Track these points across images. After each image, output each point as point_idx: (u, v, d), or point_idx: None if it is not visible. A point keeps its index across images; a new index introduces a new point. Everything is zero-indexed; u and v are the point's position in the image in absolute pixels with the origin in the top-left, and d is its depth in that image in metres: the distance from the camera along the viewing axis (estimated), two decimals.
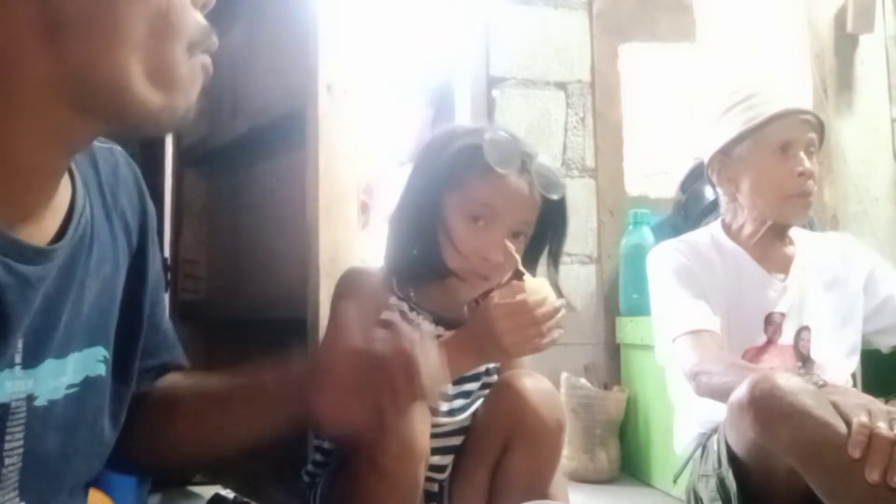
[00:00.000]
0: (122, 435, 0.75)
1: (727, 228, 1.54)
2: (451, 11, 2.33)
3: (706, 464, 1.30)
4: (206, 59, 0.63)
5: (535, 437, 1.08)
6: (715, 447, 1.27)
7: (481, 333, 0.99)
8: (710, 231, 1.55)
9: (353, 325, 0.79)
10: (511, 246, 1.06)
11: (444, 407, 1.11)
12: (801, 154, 1.43)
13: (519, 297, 0.98)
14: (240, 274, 1.87)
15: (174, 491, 1.81)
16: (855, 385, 1.53)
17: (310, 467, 1.17)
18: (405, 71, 2.93)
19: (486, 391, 1.16)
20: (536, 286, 1.01)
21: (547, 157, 1.13)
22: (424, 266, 1.11)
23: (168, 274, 2.01)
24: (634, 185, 2.26)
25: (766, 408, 1.05)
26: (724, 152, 1.49)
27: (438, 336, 1.13)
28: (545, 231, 1.15)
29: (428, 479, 1.04)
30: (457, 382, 1.12)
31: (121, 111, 0.58)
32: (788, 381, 1.06)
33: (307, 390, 0.75)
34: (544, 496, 1.13)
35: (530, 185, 1.08)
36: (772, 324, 1.44)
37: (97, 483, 0.77)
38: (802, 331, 1.45)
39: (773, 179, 1.43)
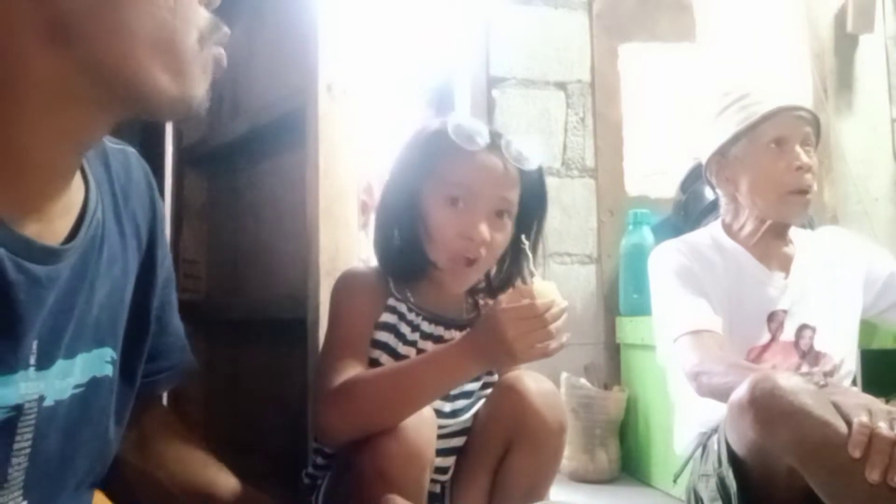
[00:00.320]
0: None
1: (727, 229, 1.54)
2: (451, 11, 2.33)
3: (706, 463, 1.30)
4: (219, 52, 0.63)
5: (537, 438, 1.08)
6: (715, 447, 1.27)
7: (489, 339, 0.97)
8: (711, 231, 1.56)
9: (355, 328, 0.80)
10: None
11: (447, 408, 1.11)
12: (797, 149, 1.43)
13: (526, 302, 0.96)
14: (240, 274, 1.87)
15: None
16: (855, 385, 1.53)
17: (310, 469, 1.17)
18: (405, 71, 2.93)
19: (487, 391, 1.16)
20: (545, 289, 0.99)
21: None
22: (409, 261, 1.11)
23: None
24: (634, 185, 2.26)
25: (767, 407, 1.05)
26: (721, 153, 1.50)
27: (439, 336, 1.13)
28: (533, 211, 1.15)
29: (430, 481, 1.04)
30: None
31: (138, 100, 0.59)
32: (789, 381, 1.06)
33: None
34: (546, 497, 1.13)
35: (504, 161, 1.09)
36: (775, 322, 1.45)
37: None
38: (804, 328, 1.45)
39: (770, 176, 1.44)
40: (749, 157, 1.46)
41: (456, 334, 1.13)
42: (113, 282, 0.70)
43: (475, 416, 1.14)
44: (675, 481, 1.50)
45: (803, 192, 1.43)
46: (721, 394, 1.19)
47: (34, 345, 0.60)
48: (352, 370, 1.02)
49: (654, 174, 2.27)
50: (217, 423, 1.87)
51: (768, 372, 1.14)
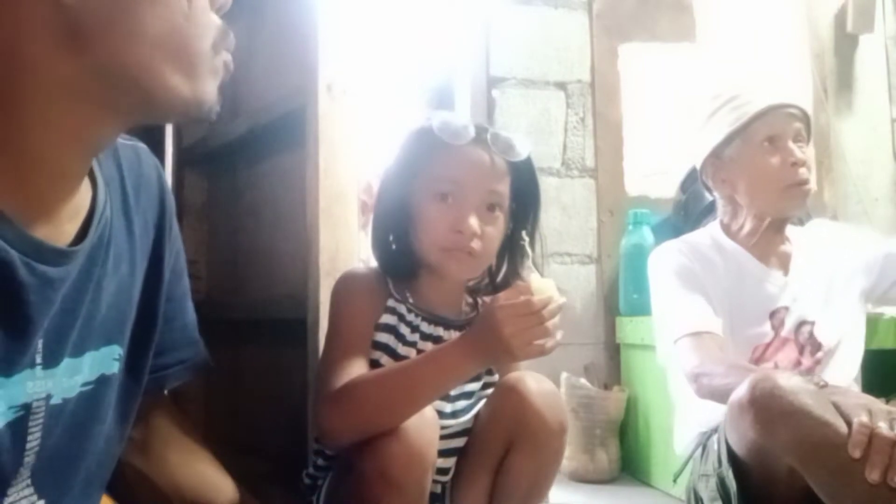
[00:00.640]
0: None
1: (726, 229, 1.55)
2: (451, 11, 2.33)
3: (706, 463, 1.30)
4: (228, 57, 0.64)
5: (538, 438, 1.08)
6: (715, 447, 1.27)
7: (487, 336, 0.96)
8: (710, 231, 1.56)
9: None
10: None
11: (448, 408, 1.11)
12: (791, 145, 1.45)
13: (523, 298, 0.96)
14: (240, 274, 1.87)
15: None
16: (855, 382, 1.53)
17: (311, 469, 1.17)
18: (405, 71, 2.93)
19: (488, 391, 1.16)
20: (542, 286, 0.98)
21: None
22: (406, 261, 1.12)
23: None
24: (634, 185, 2.25)
25: (767, 407, 1.05)
26: (716, 155, 1.51)
27: (438, 337, 1.13)
28: (527, 204, 1.16)
29: (431, 482, 1.04)
30: None
31: (152, 103, 0.59)
32: (789, 381, 1.06)
33: None
34: (546, 498, 1.13)
35: (490, 153, 1.09)
36: (776, 319, 1.46)
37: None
38: (803, 324, 1.46)
39: (767, 173, 1.45)
40: (744, 156, 1.47)
41: (455, 335, 1.12)
42: (120, 280, 0.70)
43: (476, 416, 1.14)
44: (675, 481, 1.50)
45: (801, 184, 1.44)
46: (721, 395, 1.20)
47: (40, 344, 0.60)
48: (353, 372, 1.02)
49: (654, 174, 2.27)
50: (217, 423, 1.86)
51: (768, 372, 1.15)
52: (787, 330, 1.45)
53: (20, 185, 0.56)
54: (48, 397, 0.62)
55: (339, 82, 1.45)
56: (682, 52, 2.32)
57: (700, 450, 1.37)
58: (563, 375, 1.95)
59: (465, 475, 1.13)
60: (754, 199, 1.48)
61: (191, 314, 0.88)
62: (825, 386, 1.14)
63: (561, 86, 2.22)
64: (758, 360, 1.43)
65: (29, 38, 0.54)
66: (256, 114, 1.71)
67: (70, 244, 0.62)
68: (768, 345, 1.45)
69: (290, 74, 1.56)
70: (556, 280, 1.02)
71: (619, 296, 2.09)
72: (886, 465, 0.94)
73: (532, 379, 1.10)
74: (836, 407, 1.03)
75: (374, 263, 1.18)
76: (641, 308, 1.89)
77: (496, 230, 1.11)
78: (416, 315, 1.12)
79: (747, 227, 1.51)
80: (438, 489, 1.13)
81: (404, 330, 1.11)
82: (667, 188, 2.21)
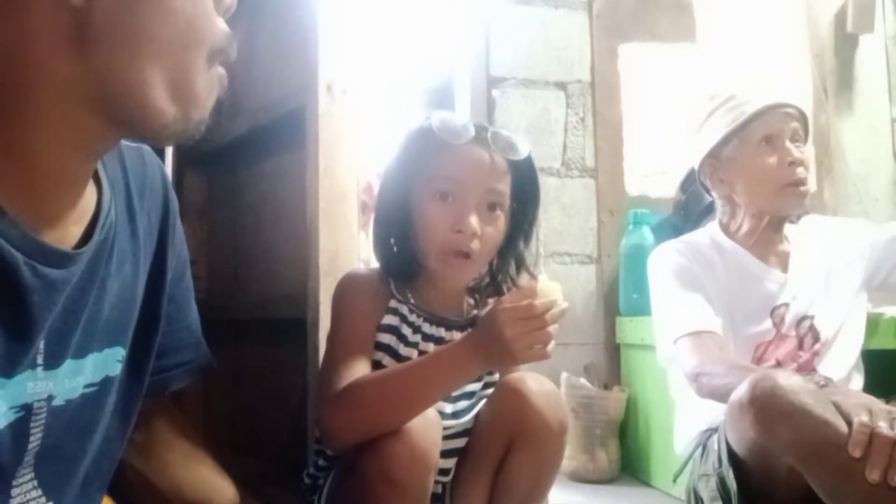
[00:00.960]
0: None
1: (725, 228, 1.55)
2: (451, 11, 2.33)
3: (706, 463, 1.30)
4: (222, 72, 0.64)
5: (539, 438, 1.08)
6: (715, 446, 1.27)
7: (489, 338, 0.96)
8: (709, 231, 1.57)
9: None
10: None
11: (449, 409, 1.10)
12: (788, 145, 1.46)
13: (526, 302, 0.95)
14: (240, 274, 1.87)
15: None
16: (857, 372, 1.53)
17: (311, 469, 1.17)
18: (405, 71, 2.93)
19: (489, 391, 1.15)
20: (548, 289, 0.98)
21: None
22: (407, 261, 1.12)
23: None
24: (634, 185, 2.25)
25: (767, 407, 1.05)
26: (713, 155, 1.52)
27: (440, 338, 1.13)
28: (528, 203, 1.15)
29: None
30: None
31: (136, 119, 0.59)
32: (789, 381, 1.06)
33: None
34: (546, 498, 1.12)
35: (490, 152, 1.09)
36: (777, 316, 1.46)
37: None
38: (804, 319, 1.47)
39: (764, 173, 1.46)
40: (741, 156, 1.48)
41: (457, 335, 1.13)
42: (123, 281, 0.70)
43: (476, 416, 1.14)
44: (675, 481, 1.50)
45: (798, 184, 1.45)
46: (721, 394, 1.20)
47: (41, 345, 0.60)
48: (355, 373, 1.02)
49: (654, 174, 2.26)
50: (217, 422, 1.87)
51: (768, 371, 1.15)
52: (787, 326, 1.46)
53: (25, 187, 0.57)
54: (50, 398, 0.62)
55: (339, 82, 1.45)
56: (682, 52, 2.32)
57: (700, 450, 1.37)
58: (563, 375, 1.95)
59: (466, 475, 1.13)
60: (752, 198, 1.49)
61: (194, 316, 0.88)
62: (825, 385, 1.14)
63: (561, 86, 2.22)
64: (760, 359, 1.44)
65: (36, 40, 0.54)
66: (256, 114, 1.71)
67: (74, 246, 0.62)
68: (770, 342, 1.45)
69: (290, 74, 1.56)
70: (556, 280, 1.01)
71: (619, 296, 2.09)
72: (887, 465, 0.94)
73: (533, 379, 1.10)
74: (837, 406, 1.03)
75: (374, 264, 1.18)
76: (641, 308, 1.89)
77: (496, 230, 1.10)
78: (418, 316, 1.12)
79: (746, 227, 1.52)
80: (439, 489, 1.13)
81: (406, 331, 1.11)
82: (667, 188, 2.21)
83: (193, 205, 2.04)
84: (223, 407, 1.87)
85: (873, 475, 0.94)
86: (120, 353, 0.71)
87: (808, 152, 1.49)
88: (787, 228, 1.57)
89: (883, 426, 0.97)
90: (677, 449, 1.50)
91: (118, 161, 0.72)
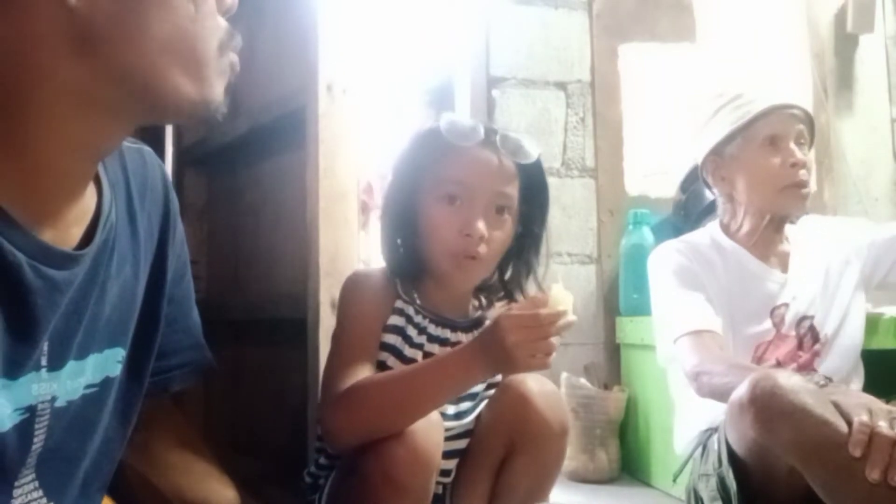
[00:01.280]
0: None
1: (725, 228, 1.55)
2: (451, 11, 2.33)
3: (706, 463, 1.30)
4: (234, 58, 0.65)
5: (540, 439, 1.08)
6: (715, 446, 1.27)
7: (491, 344, 0.95)
8: (710, 231, 1.56)
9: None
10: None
11: (451, 410, 1.10)
12: (792, 146, 1.45)
13: (531, 311, 0.94)
14: (240, 274, 1.87)
15: None
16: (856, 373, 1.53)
17: (312, 468, 1.16)
18: (405, 71, 2.93)
19: (491, 391, 1.15)
20: (560, 298, 0.96)
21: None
22: (413, 263, 1.11)
23: None
24: (634, 185, 2.25)
25: (767, 407, 1.05)
26: (716, 153, 1.52)
27: (445, 339, 1.13)
28: (536, 207, 1.15)
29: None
30: None
31: (161, 105, 0.60)
32: (789, 380, 1.06)
33: None
34: (547, 499, 1.12)
35: (499, 155, 1.08)
36: (777, 316, 1.46)
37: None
38: (804, 319, 1.47)
39: (766, 173, 1.46)
40: (744, 155, 1.48)
41: (462, 337, 1.13)
42: (124, 282, 0.70)
43: (477, 417, 1.14)
44: (674, 481, 1.50)
45: (799, 186, 1.45)
46: (721, 394, 1.20)
47: (45, 346, 0.60)
48: (359, 374, 1.02)
49: (654, 174, 2.26)
50: (217, 422, 1.87)
51: (768, 371, 1.14)
52: (787, 326, 1.46)
53: (27, 188, 0.57)
54: (53, 399, 0.63)
55: (339, 82, 1.45)
56: (682, 52, 2.32)
57: (700, 449, 1.37)
58: (563, 375, 1.95)
59: (467, 476, 1.13)
60: (752, 197, 1.49)
61: (194, 317, 0.88)
62: (825, 385, 1.14)
63: (561, 86, 2.22)
64: (760, 359, 1.44)
65: (37, 43, 0.54)
66: (256, 114, 1.71)
67: (76, 247, 0.62)
68: (770, 342, 1.45)
69: (290, 74, 1.56)
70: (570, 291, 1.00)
71: (619, 296, 2.09)
72: (887, 465, 0.94)
73: (534, 380, 1.10)
74: (837, 406, 1.03)
75: (374, 264, 1.18)
76: (641, 308, 1.89)
77: (504, 234, 1.10)
78: (424, 317, 1.12)
79: (746, 227, 1.51)
80: (440, 490, 1.13)
81: (411, 332, 1.10)
82: (667, 188, 2.20)
83: (193, 205, 2.04)
84: (223, 407, 1.87)
85: (873, 475, 0.94)
86: (120, 353, 0.71)
87: (810, 155, 1.49)
88: (787, 228, 1.57)
89: (883, 426, 0.97)
90: (677, 449, 1.50)
91: (119, 162, 0.72)
